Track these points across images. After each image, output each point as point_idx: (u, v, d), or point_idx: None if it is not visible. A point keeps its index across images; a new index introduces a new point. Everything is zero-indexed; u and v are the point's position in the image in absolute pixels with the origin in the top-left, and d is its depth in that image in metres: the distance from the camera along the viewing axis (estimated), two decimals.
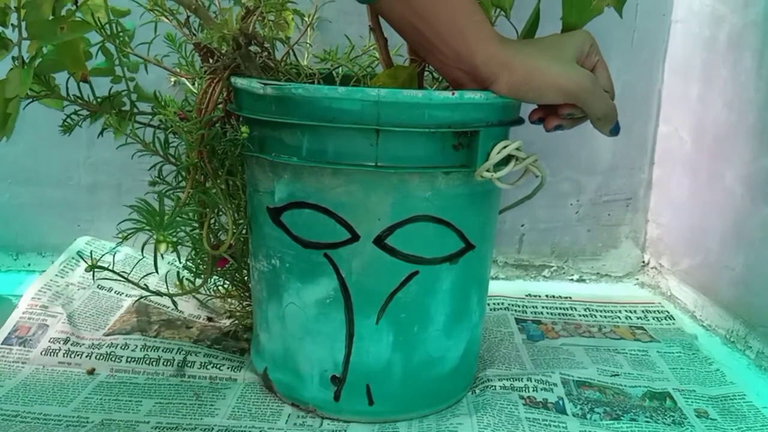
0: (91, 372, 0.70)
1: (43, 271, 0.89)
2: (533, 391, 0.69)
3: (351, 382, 0.62)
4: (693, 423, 0.65)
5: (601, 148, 1.00)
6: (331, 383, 0.63)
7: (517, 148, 0.57)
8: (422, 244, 0.59)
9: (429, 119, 0.55)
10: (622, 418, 0.66)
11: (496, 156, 0.57)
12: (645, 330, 0.87)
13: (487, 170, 0.57)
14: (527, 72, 0.56)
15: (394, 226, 0.58)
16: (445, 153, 0.57)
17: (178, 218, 0.60)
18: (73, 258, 0.90)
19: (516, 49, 0.57)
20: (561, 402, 0.68)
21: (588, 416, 0.66)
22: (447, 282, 0.62)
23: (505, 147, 0.57)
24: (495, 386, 0.69)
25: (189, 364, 0.71)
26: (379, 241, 0.58)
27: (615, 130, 0.62)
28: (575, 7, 0.60)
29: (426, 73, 0.69)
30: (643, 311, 0.92)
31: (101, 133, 0.69)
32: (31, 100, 0.66)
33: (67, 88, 0.67)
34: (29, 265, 0.98)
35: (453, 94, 0.55)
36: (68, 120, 0.69)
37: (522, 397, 0.68)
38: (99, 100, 0.68)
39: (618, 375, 0.74)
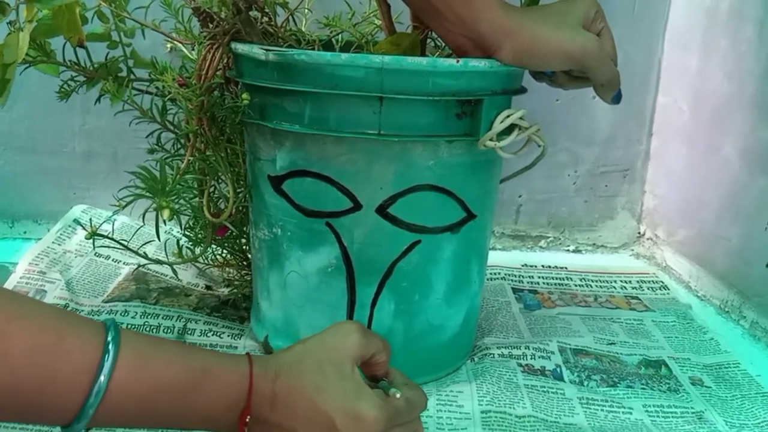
0: None
1: (39, 238, 0.88)
2: (531, 358, 0.70)
3: None
4: (688, 390, 0.67)
5: (600, 119, 1.00)
6: None
7: (521, 117, 0.57)
8: (424, 213, 0.60)
9: (433, 87, 0.55)
10: (618, 385, 0.67)
11: (499, 125, 0.56)
12: (640, 300, 0.88)
13: (491, 139, 0.57)
14: (532, 39, 0.55)
15: (396, 195, 0.58)
16: (449, 121, 0.57)
17: (178, 185, 0.60)
18: (69, 226, 0.90)
19: (520, 16, 0.56)
20: (558, 369, 0.69)
21: (585, 383, 0.67)
22: (448, 251, 0.62)
23: (508, 116, 0.57)
24: (493, 354, 0.70)
25: (189, 332, 0.71)
26: (382, 210, 0.58)
27: (617, 98, 0.62)
28: None
29: (428, 41, 0.68)
30: (638, 281, 0.93)
31: (98, 99, 0.69)
32: (27, 65, 0.65)
33: (63, 54, 0.66)
34: (25, 232, 0.98)
35: (457, 61, 0.54)
36: (65, 86, 0.68)
37: (520, 365, 0.68)
38: (95, 65, 0.68)
39: (614, 343, 0.75)
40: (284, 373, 0.45)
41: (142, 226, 0.78)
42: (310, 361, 0.46)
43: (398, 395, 0.47)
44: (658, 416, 0.62)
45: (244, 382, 0.44)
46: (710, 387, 0.67)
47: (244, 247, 0.76)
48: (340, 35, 0.72)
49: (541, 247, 1.04)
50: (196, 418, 0.43)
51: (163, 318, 0.73)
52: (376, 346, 0.49)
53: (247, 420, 0.44)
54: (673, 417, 0.62)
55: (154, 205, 0.58)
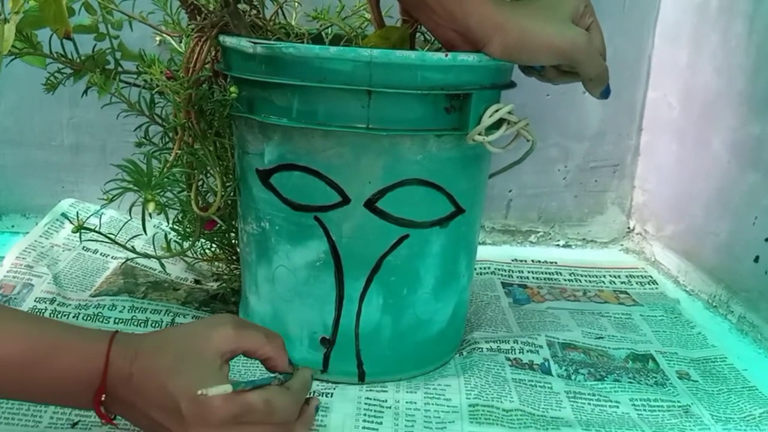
0: None
1: (27, 232, 0.88)
2: (519, 352, 0.70)
3: (340, 344, 0.63)
4: (675, 384, 0.67)
5: (590, 114, 1.00)
6: (321, 345, 0.63)
7: (509, 112, 0.57)
8: (413, 208, 0.59)
9: (422, 81, 0.55)
10: (605, 378, 0.67)
11: (488, 119, 0.56)
12: (629, 294, 0.88)
13: (479, 134, 0.57)
14: (521, 33, 0.55)
15: (384, 189, 0.58)
16: (437, 116, 0.57)
17: (165, 178, 0.60)
18: (57, 220, 0.89)
19: (510, 10, 0.56)
20: (546, 363, 0.69)
21: (573, 377, 0.67)
22: (437, 245, 0.62)
23: (497, 110, 0.57)
24: (482, 348, 0.70)
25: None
26: (370, 205, 0.58)
27: (606, 93, 0.62)
28: None
29: (418, 35, 0.68)
30: (627, 276, 0.94)
31: (86, 92, 0.68)
32: (13, 57, 0.64)
33: (50, 46, 0.65)
34: (13, 226, 0.97)
35: (446, 55, 0.54)
36: (51, 78, 0.67)
37: (508, 359, 0.69)
38: (82, 58, 0.67)
39: (602, 337, 0.75)
40: (144, 354, 0.45)
41: (129, 220, 0.78)
42: (174, 345, 0.46)
43: (229, 390, 0.44)
44: (644, 410, 0.62)
45: (99, 360, 0.44)
46: (697, 381, 0.68)
47: (233, 241, 0.76)
48: (329, 28, 0.71)
49: (531, 241, 1.04)
50: (47, 392, 0.44)
51: (151, 312, 0.73)
52: (252, 341, 0.49)
53: (103, 399, 0.44)
54: (659, 411, 0.62)
55: (141, 199, 0.58)
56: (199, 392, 0.44)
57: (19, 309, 0.63)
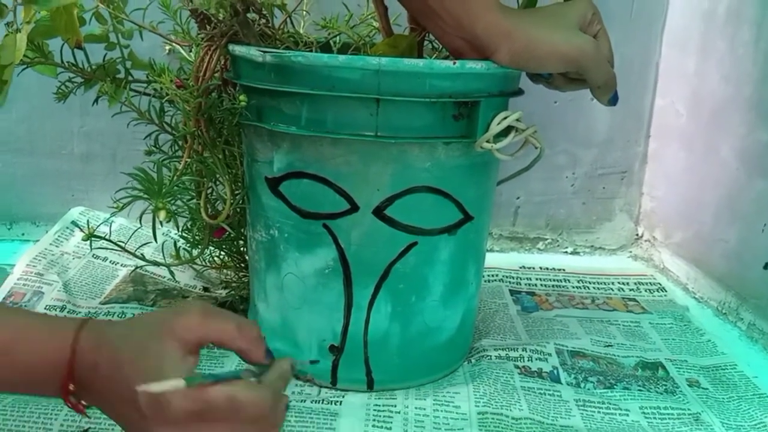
0: None
1: (37, 240, 0.88)
2: (528, 360, 0.70)
3: (349, 351, 0.63)
4: (685, 392, 0.67)
5: (598, 120, 1.00)
6: (330, 353, 0.63)
7: (517, 119, 0.57)
8: (421, 215, 0.60)
9: (430, 89, 0.55)
10: (615, 386, 0.67)
11: (496, 127, 0.57)
12: (637, 302, 0.88)
13: (487, 141, 0.57)
14: (528, 41, 0.55)
15: (393, 196, 0.58)
16: (446, 123, 0.57)
17: (175, 187, 0.60)
18: (67, 228, 0.90)
19: (517, 18, 0.57)
20: (555, 371, 0.69)
21: (582, 385, 0.67)
22: (445, 253, 0.62)
23: (505, 118, 0.57)
24: (491, 356, 0.70)
25: None
26: (379, 212, 0.58)
27: (614, 100, 0.62)
28: None
29: (426, 43, 0.68)
30: (635, 283, 0.93)
31: (96, 101, 0.69)
32: (24, 66, 0.65)
33: (61, 55, 0.66)
34: (23, 234, 0.98)
35: (454, 63, 0.55)
36: (62, 87, 0.68)
37: (517, 367, 0.68)
38: (93, 67, 0.68)
39: (611, 345, 0.75)
40: (108, 343, 0.43)
41: (139, 228, 0.78)
42: (138, 333, 0.44)
43: (180, 386, 0.40)
44: (654, 418, 0.62)
45: (65, 349, 0.43)
46: (707, 389, 0.67)
47: (241, 248, 0.76)
48: (337, 37, 0.72)
49: (539, 248, 1.04)
50: (15, 380, 0.43)
51: None
52: (221, 331, 0.45)
53: (72, 388, 0.43)
54: (669, 419, 0.62)
55: (151, 207, 0.58)
56: (137, 388, 0.40)
57: None
